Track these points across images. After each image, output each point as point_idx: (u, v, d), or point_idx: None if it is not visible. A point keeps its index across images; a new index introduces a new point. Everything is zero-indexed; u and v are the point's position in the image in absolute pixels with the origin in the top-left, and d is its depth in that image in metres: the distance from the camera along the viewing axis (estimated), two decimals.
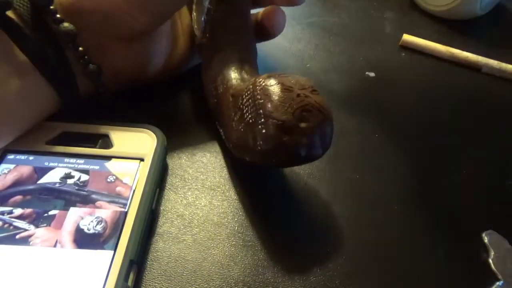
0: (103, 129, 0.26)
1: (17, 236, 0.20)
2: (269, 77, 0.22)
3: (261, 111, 0.21)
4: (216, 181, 0.26)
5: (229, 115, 0.24)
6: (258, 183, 0.26)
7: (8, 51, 0.21)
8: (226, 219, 0.24)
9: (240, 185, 0.26)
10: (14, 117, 0.23)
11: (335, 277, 0.22)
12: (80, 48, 0.23)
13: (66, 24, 0.22)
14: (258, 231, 0.24)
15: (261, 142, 0.21)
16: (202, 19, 0.28)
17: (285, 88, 0.21)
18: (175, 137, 0.28)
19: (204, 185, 0.26)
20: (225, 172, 0.26)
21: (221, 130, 0.27)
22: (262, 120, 0.21)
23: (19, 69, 0.22)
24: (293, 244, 0.23)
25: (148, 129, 0.26)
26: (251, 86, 0.22)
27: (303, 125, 0.20)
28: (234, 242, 0.23)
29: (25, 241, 0.20)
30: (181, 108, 0.30)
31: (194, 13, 0.28)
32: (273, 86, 0.21)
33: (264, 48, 0.38)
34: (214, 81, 0.27)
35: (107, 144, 0.25)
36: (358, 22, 0.43)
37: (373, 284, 0.22)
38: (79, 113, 0.26)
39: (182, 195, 0.25)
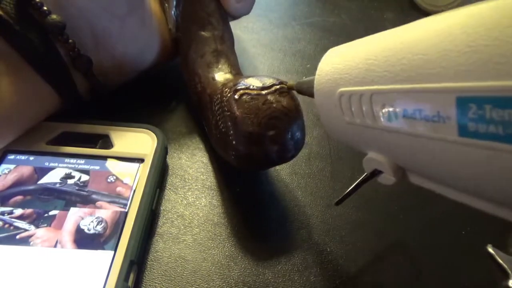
0: (103, 129, 0.26)
1: (18, 236, 0.20)
2: (234, 86, 0.21)
3: (229, 123, 0.21)
4: (216, 181, 0.26)
5: (208, 116, 0.24)
6: (258, 183, 0.26)
7: (0, 49, 0.21)
8: (226, 219, 0.24)
9: (240, 185, 0.26)
10: (12, 116, 0.23)
11: (335, 277, 0.22)
12: (70, 40, 0.23)
13: (54, 16, 0.22)
14: (258, 231, 0.24)
15: (233, 152, 0.21)
16: (172, 12, 0.28)
17: (251, 98, 0.21)
18: (175, 137, 0.28)
19: (204, 185, 0.26)
20: (225, 172, 0.26)
21: (205, 128, 0.27)
22: (231, 132, 0.21)
23: (13, 67, 0.22)
24: (293, 244, 0.23)
25: (148, 129, 0.26)
26: (219, 95, 0.22)
27: (271, 133, 0.20)
28: (234, 242, 0.23)
29: (25, 241, 0.20)
30: (181, 108, 0.31)
31: (166, 6, 0.28)
32: (238, 98, 0.21)
33: (264, 48, 0.38)
34: (193, 78, 0.27)
35: (108, 144, 0.25)
36: (358, 22, 0.43)
37: (373, 284, 0.22)
38: (79, 113, 0.26)
39: (182, 195, 0.25)
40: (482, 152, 0.12)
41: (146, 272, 0.21)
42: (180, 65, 0.29)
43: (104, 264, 0.19)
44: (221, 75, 0.25)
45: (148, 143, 0.25)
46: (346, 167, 0.28)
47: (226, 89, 0.22)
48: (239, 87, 0.21)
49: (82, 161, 0.24)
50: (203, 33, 0.27)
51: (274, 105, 0.20)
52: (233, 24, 0.40)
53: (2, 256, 0.19)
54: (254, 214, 0.24)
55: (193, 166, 0.27)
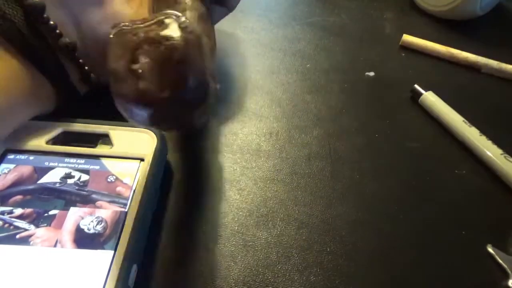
0: (103, 129, 0.26)
1: (17, 236, 0.20)
2: (117, 24, 0.18)
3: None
4: (216, 181, 0.26)
5: None
6: (258, 183, 0.26)
7: None
8: (226, 219, 0.24)
9: (240, 185, 0.26)
10: (4, 105, 0.22)
11: (335, 277, 0.22)
12: (51, 22, 0.23)
13: None
14: (258, 231, 0.24)
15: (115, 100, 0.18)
16: None
17: (125, 31, 0.17)
18: (175, 137, 0.28)
19: (204, 185, 0.26)
20: (225, 172, 0.26)
21: None
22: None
23: (1, 53, 0.22)
24: (293, 244, 0.23)
25: (148, 129, 0.26)
26: None
27: (135, 66, 0.16)
28: (234, 242, 0.23)
29: (25, 241, 0.20)
30: None
31: None
32: (115, 34, 0.18)
33: (264, 48, 0.38)
34: None
35: (107, 144, 0.25)
36: (358, 22, 0.43)
37: (373, 284, 0.22)
38: (79, 113, 0.26)
39: (182, 195, 0.25)
40: None
41: (146, 272, 0.21)
42: None
43: (104, 264, 0.19)
44: None
45: (148, 142, 0.25)
46: (346, 167, 0.28)
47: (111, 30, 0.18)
48: (122, 23, 0.18)
49: (82, 161, 0.24)
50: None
51: (145, 35, 0.16)
52: (233, 24, 0.40)
53: (2, 256, 0.19)
54: (254, 214, 0.24)
55: (193, 166, 0.27)
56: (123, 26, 0.18)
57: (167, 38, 0.16)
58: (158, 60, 0.16)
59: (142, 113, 0.17)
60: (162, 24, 0.17)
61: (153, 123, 0.18)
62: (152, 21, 0.17)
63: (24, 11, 0.22)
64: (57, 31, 0.23)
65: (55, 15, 0.23)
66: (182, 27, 0.17)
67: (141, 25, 0.17)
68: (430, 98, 0.32)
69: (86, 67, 0.25)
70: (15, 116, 0.24)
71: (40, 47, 0.23)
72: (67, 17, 0.24)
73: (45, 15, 0.23)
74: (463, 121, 0.30)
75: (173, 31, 0.17)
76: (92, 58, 0.26)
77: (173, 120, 0.18)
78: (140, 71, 0.16)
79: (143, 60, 0.16)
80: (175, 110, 0.17)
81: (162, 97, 0.16)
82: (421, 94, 0.33)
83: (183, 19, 0.17)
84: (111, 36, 0.17)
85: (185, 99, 0.17)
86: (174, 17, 0.17)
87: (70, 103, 0.26)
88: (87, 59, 0.25)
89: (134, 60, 0.16)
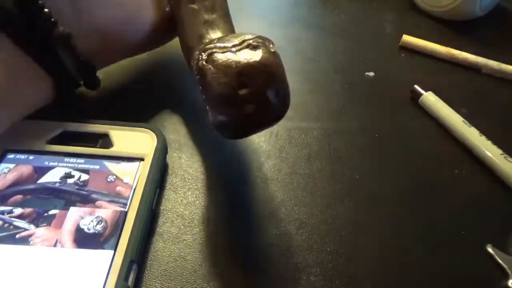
0: (103, 129, 0.26)
1: (17, 236, 0.20)
2: (203, 47, 0.20)
3: (201, 87, 0.20)
4: (216, 181, 0.26)
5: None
6: (258, 183, 0.26)
7: None
8: (226, 219, 0.24)
9: (241, 185, 0.26)
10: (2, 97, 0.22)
11: (335, 277, 0.22)
12: (46, 10, 0.22)
13: None
14: (258, 231, 0.24)
15: (211, 119, 0.20)
16: None
17: (219, 57, 0.19)
18: (175, 137, 0.28)
19: (204, 185, 0.26)
20: (225, 172, 0.26)
21: None
22: (204, 97, 0.20)
23: None
24: (293, 244, 0.23)
25: (148, 128, 0.26)
26: (194, 62, 0.21)
27: (243, 92, 0.18)
28: (234, 242, 0.23)
29: (25, 240, 0.20)
30: (181, 108, 0.30)
31: None
32: (206, 59, 0.19)
33: None
34: (187, 54, 0.26)
35: (107, 143, 0.25)
36: (358, 22, 0.43)
37: (373, 284, 0.22)
38: (79, 112, 0.26)
39: (182, 195, 0.25)
40: None
41: (146, 272, 0.21)
42: (181, 45, 0.28)
43: (104, 263, 0.19)
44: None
45: (148, 142, 0.25)
46: (346, 167, 0.28)
47: (197, 52, 0.20)
48: (207, 47, 0.20)
49: (82, 161, 0.24)
50: (192, 6, 0.26)
51: (244, 61, 0.18)
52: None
53: (2, 256, 0.19)
54: (254, 214, 0.24)
55: (193, 166, 0.27)
56: (211, 49, 0.19)
57: (266, 65, 0.18)
58: (261, 86, 0.18)
59: (240, 129, 0.20)
60: (254, 48, 0.19)
61: (243, 136, 0.21)
62: (242, 45, 0.19)
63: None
64: (52, 19, 0.22)
65: (52, 3, 0.22)
66: (272, 52, 0.19)
67: (233, 49, 0.19)
68: (430, 99, 0.32)
69: (82, 58, 0.24)
70: (13, 107, 0.23)
71: (34, 36, 0.22)
72: (65, 5, 0.23)
73: (40, 2, 0.22)
74: (463, 121, 0.30)
75: (268, 56, 0.19)
76: (91, 46, 0.25)
77: (259, 131, 0.21)
78: (247, 96, 0.18)
79: (249, 85, 0.18)
80: (269, 125, 0.20)
81: (269, 118, 0.19)
82: (421, 94, 0.33)
83: (271, 45, 0.20)
84: (205, 60, 0.19)
85: (281, 117, 0.20)
86: (261, 40, 0.19)
87: (70, 93, 0.26)
88: (86, 47, 0.24)
89: (240, 86, 0.18)
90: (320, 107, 0.32)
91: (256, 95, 0.18)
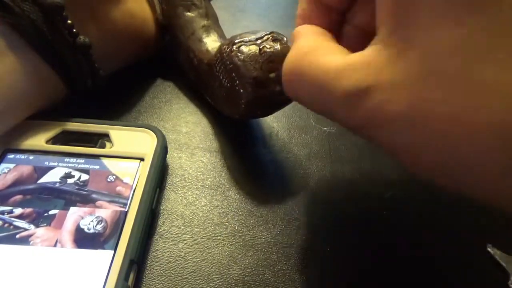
0: (103, 129, 0.26)
1: (17, 236, 0.20)
2: (230, 42, 0.24)
3: (233, 74, 0.23)
4: (216, 181, 0.26)
5: (209, 83, 0.27)
6: (259, 183, 0.26)
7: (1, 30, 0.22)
8: (226, 219, 0.24)
9: (240, 185, 0.26)
10: (13, 96, 0.23)
11: (335, 277, 0.22)
12: (69, 21, 0.23)
13: None
14: (258, 231, 0.24)
15: (243, 100, 0.23)
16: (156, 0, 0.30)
17: (248, 48, 0.23)
18: (175, 137, 0.28)
19: (204, 185, 0.26)
20: (225, 172, 0.26)
21: (207, 98, 0.29)
22: (237, 82, 0.23)
23: (14, 47, 0.22)
24: (293, 244, 0.23)
25: (148, 128, 0.26)
26: (218, 55, 0.25)
27: (272, 75, 0.23)
28: (234, 242, 0.23)
29: (25, 240, 0.20)
30: (181, 108, 0.30)
31: None
32: (237, 50, 0.23)
33: None
34: (187, 55, 0.29)
35: (107, 143, 0.25)
36: None
37: (373, 284, 0.22)
38: (79, 112, 0.26)
39: (182, 195, 0.25)
40: None
41: (146, 272, 0.21)
42: (171, 50, 0.31)
43: (104, 263, 0.19)
44: (214, 45, 0.28)
45: (148, 142, 0.25)
46: (346, 167, 0.28)
47: (224, 46, 0.24)
48: (236, 41, 0.23)
49: (82, 161, 0.24)
50: (188, 13, 0.30)
51: (270, 50, 0.23)
52: (233, 24, 0.40)
53: (2, 256, 0.19)
54: (254, 213, 0.24)
55: (193, 165, 0.27)
56: (239, 42, 0.23)
57: (286, 54, 0.21)
58: (283, 69, 0.21)
59: (269, 106, 0.25)
60: (274, 41, 0.23)
61: (270, 113, 0.26)
62: (263, 38, 0.23)
63: (43, 10, 0.22)
64: (74, 30, 0.24)
65: (73, 14, 0.24)
66: (287, 44, 0.23)
67: (257, 41, 0.23)
68: None
69: (96, 64, 0.26)
70: (21, 109, 0.24)
71: (58, 46, 0.23)
72: (86, 15, 0.25)
73: (64, 14, 0.23)
74: None
75: (285, 47, 0.23)
76: (105, 52, 0.26)
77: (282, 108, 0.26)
78: (275, 78, 0.22)
79: (277, 69, 0.22)
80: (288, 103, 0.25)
81: (288, 98, 0.22)
82: None
83: (285, 38, 0.24)
84: (237, 51, 0.23)
85: None
86: (276, 35, 0.24)
87: (74, 98, 0.26)
88: (101, 55, 0.26)
89: (270, 70, 0.22)
90: None
91: (281, 78, 0.21)
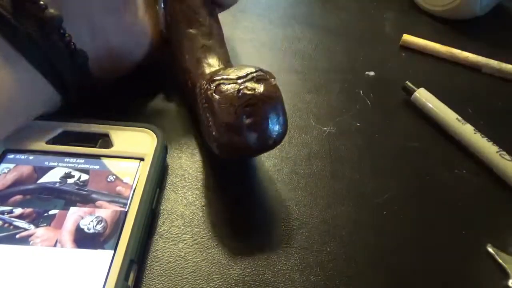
0: (103, 129, 0.26)
1: (17, 236, 0.20)
2: (210, 78, 0.22)
3: (207, 114, 0.21)
4: (216, 181, 0.26)
5: (198, 111, 0.25)
6: (259, 183, 0.26)
7: None
8: (226, 219, 0.24)
9: (240, 185, 0.26)
10: (10, 107, 0.23)
11: (335, 277, 0.22)
12: (67, 35, 0.23)
13: (51, 11, 0.22)
14: (258, 231, 0.24)
15: (215, 143, 0.22)
16: (161, 12, 0.28)
17: (226, 88, 0.21)
18: (175, 137, 0.28)
19: (204, 184, 0.26)
20: (225, 172, 0.26)
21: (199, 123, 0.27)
22: (211, 123, 0.21)
23: (10, 60, 0.22)
24: (293, 244, 0.23)
25: (148, 128, 0.26)
26: (199, 89, 0.23)
27: (248, 121, 0.20)
28: (234, 242, 0.23)
29: (25, 240, 0.20)
30: (181, 108, 0.30)
31: (158, 8, 0.29)
32: (214, 89, 0.21)
33: (263, 47, 0.38)
34: (184, 76, 0.27)
35: (107, 143, 0.25)
36: (358, 22, 0.43)
37: (373, 284, 0.22)
38: (79, 112, 0.26)
39: (182, 195, 0.25)
40: None
41: (146, 272, 0.21)
42: (172, 65, 0.29)
43: (104, 263, 0.19)
44: (210, 69, 0.25)
45: (148, 142, 0.25)
46: (346, 167, 0.28)
47: (204, 81, 0.22)
48: (215, 78, 0.22)
49: (82, 161, 0.24)
50: (190, 30, 0.27)
51: (249, 93, 0.20)
52: (233, 24, 0.40)
53: (2, 256, 0.19)
54: (254, 213, 0.24)
55: (193, 165, 0.27)
56: (219, 80, 0.21)
57: (269, 97, 0.20)
58: (265, 116, 0.20)
59: (242, 153, 0.22)
60: (257, 82, 0.21)
61: (243, 158, 0.25)
62: (246, 77, 0.21)
63: (41, 23, 0.22)
64: (72, 42, 0.23)
65: (71, 25, 0.23)
66: (273, 85, 0.21)
67: (238, 81, 0.21)
68: (422, 95, 0.32)
69: (93, 76, 0.26)
70: (21, 117, 0.24)
71: (54, 58, 0.23)
72: (84, 27, 0.25)
73: (61, 31, 0.23)
74: (456, 118, 0.30)
75: (270, 89, 0.21)
76: (102, 65, 0.26)
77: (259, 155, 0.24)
78: (250, 125, 0.20)
79: (253, 115, 0.20)
80: (268, 150, 0.23)
81: (268, 144, 0.22)
82: (413, 91, 0.32)
83: (272, 78, 0.22)
84: (213, 91, 0.21)
85: (279, 143, 0.22)
86: (263, 74, 0.21)
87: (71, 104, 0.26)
88: (97, 67, 0.26)
89: (245, 116, 0.20)
90: (320, 106, 0.32)
91: (258, 125, 0.20)
